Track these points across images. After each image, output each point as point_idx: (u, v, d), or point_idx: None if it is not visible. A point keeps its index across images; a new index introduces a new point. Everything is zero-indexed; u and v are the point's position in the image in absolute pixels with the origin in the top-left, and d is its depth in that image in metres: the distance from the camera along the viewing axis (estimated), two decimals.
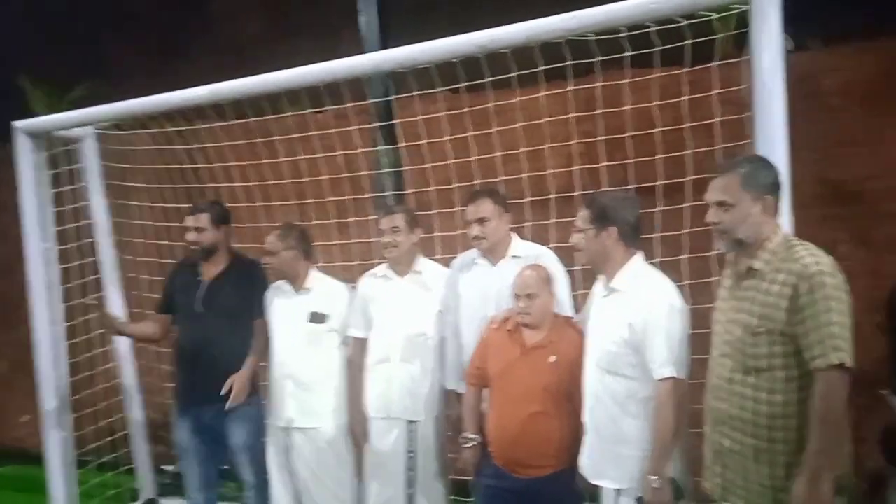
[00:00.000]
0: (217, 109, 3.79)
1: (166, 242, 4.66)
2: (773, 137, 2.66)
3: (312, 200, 4.15)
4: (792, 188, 4.53)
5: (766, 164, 2.45)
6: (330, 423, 3.55)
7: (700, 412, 2.57)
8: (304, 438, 3.57)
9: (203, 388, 3.63)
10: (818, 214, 4.54)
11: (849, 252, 4.38)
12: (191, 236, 3.71)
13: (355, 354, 3.54)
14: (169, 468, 4.92)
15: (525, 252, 3.26)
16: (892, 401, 2.31)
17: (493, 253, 3.27)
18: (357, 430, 3.51)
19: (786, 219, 2.71)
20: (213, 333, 3.64)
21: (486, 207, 3.20)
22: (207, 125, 4.21)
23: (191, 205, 3.86)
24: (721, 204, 2.40)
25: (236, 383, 3.57)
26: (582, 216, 2.78)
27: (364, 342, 3.51)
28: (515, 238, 3.33)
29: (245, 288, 3.72)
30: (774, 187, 2.42)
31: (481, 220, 3.19)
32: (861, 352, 3.15)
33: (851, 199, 4.44)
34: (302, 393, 3.56)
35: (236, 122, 4.03)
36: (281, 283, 3.69)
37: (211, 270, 3.75)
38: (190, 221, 3.72)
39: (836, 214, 4.48)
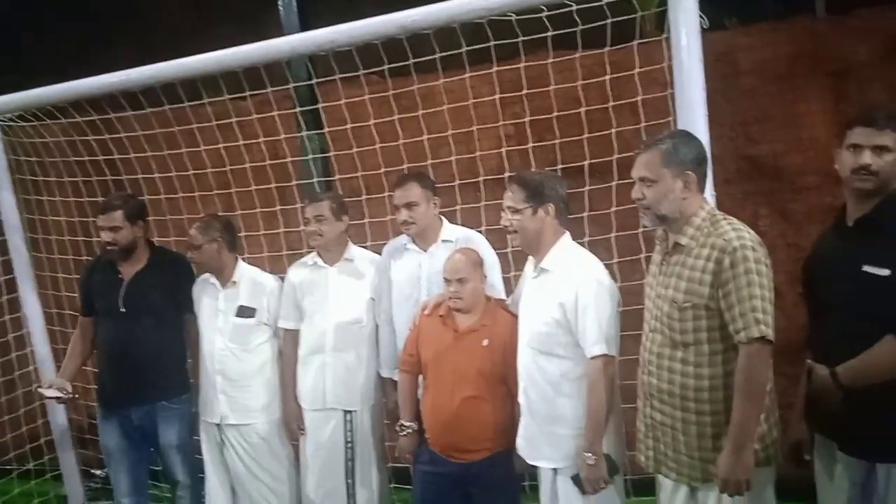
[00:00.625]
0: (137, 97, 3.63)
1: (84, 239, 4.45)
2: (692, 114, 2.71)
3: (235, 190, 4.03)
4: (715, 165, 4.63)
5: (687, 140, 2.46)
6: (263, 418, 3.48)
7: (634, 387, 2.60)
8: (237, 435, 3.50)
9: (129, 388, 3.50)
10: (740, 190, 4.68)
11: (770, 226, 4.53)
12: (106, 236, 3.50)
13: (287, 346, 3.47)
14: (98, 473, 4.74)
15: (456, 236, 3.24)
16: (814, 367, 2.38)
17: (424, 238, 3.24)
18: (292, 423, 3.46)
19: (707, 193, 2.77)
20: (137, 333, 3.49)
21: (413, 192, 3.16)
22: (120, 115, 4.02)
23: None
24: (643, 180, 2.42)
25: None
26: (515, 197, 2.74)
27: (296, 334, 3.44)
28: (446, 222, 3.30)
29: (169, 284, 3.58)
30: (696, 163, 2.43)
31: (409, 205, 3.16)
32: (785, 321, 3.25)
33: (770, 174, 4.58)
34: (233, 389, 3.48)
35: (150, 110, 3.86)
36: (207, 276, 3.58)
37: (131, 268, 3.57)
38: (102, 221, 3.51)
39: (757, 190, 4.62)
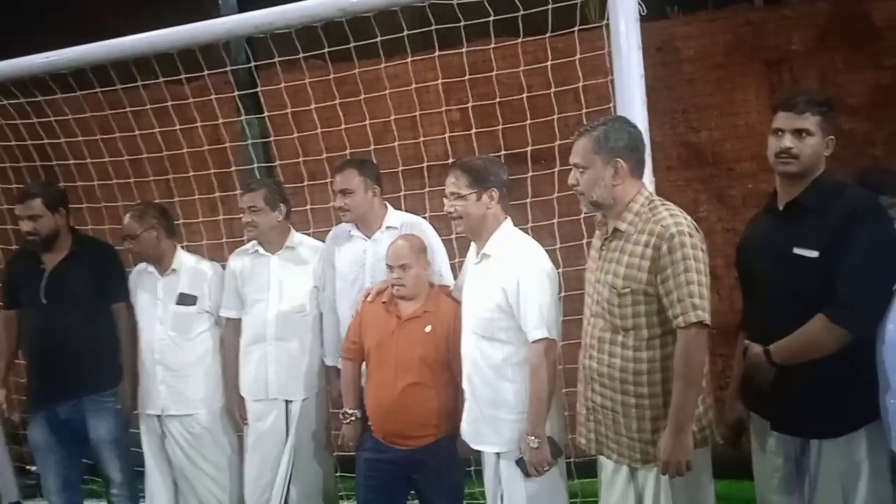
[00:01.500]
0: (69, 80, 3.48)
1: (13, 227, 4.27)
2: (631, 101, 2.74)
3: (173, 176, 3.92)
4: (656, 151, 4.71)
5: (620, 127, 2.46)
6: (205, 408, 3.42)
7: (576, 371, 2.64)
8: (179, 426, 3.43)
9: (57, 382, 3.39)
10: (681, 176, 4.76)
11: (709, 211, 4.63)
12: (26, 226, 3.35)
13: (229, 335, 3.41)
14: (33, 469, 4.58)
15: (400, 222, 3.22)
16: (749, 346, 2.45)
17: (367, 224, 3.21)
18: (234, 413, 3.41)
19: (646, 179, 2.81)
20: (60, 324, 3.37)
21: (350, 179, 3.12)
22: (49, 98, 3.86)
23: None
24: (577, 167, 2.44)
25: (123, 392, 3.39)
26: (458, 182, 2.72)
27: (237, 323, 3.39)
28: (390, 208, 3.28)
29: (94, 273, 3.45)
30: (629, 149, 2.43)
31: (345, 192, 3.12)
32: (724, 304, 3.35)
33: (709, 161, 4.67)
34: (174, 379, 3.40)
35: (81, 93, 3.71)
36: (144, 265, 3.48)
37: (54, 258, 3.43)
38: (20, 210, 3.36)
39: (697, 176, 4.71)
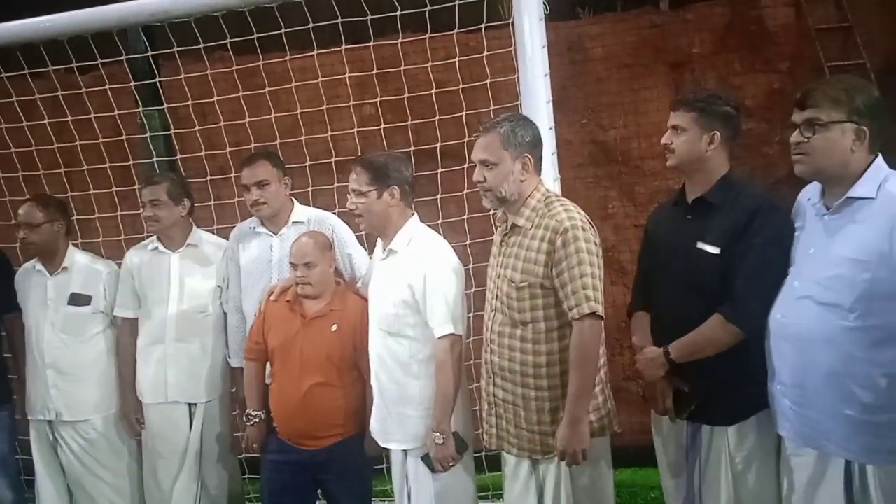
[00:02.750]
0: None
1: None
2: (535, 98, 2.77)
3: (65, 170, 3.73)
4: (567, 149, 4.82)
5: (524, 123, 2.52)
6: (100, 413, 3.28)
7: (474, 367, 2.65)
8: (72, 432, 3.27)
9: None
10: (591, 174, 4.88)
11: (618, 208, 4.76)
12: None
13: (124, 336, 3.28)
14: None
15: (308, 217, 3.15)
16: (646, 349, 2.52)
17: (274, 220, 3.13)
18: (131, 417, 3.28)
19: (550, 177, 2.85)
20: None
21: (264, 170, 3.04)
22: None
23: None
24: (484, 163, 2.45)
25: None
26: (359, 179, 2.68)
27: (133, 322, 3.26)
28: (297, 203, 3.21)
29: None
30: (532, 145, 2.49)
31: (260, 184, 3.03)
32: (630, 298, 3.40)
33: (618, 158, 4.80)
34: (66, 383, 3.24)
35: None
36: (31, 264, 3.29)
37: None
38: None
39: (606, 173, 4.84)
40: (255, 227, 3.17)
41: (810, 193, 2.31)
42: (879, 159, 2.15)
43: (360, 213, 2.70)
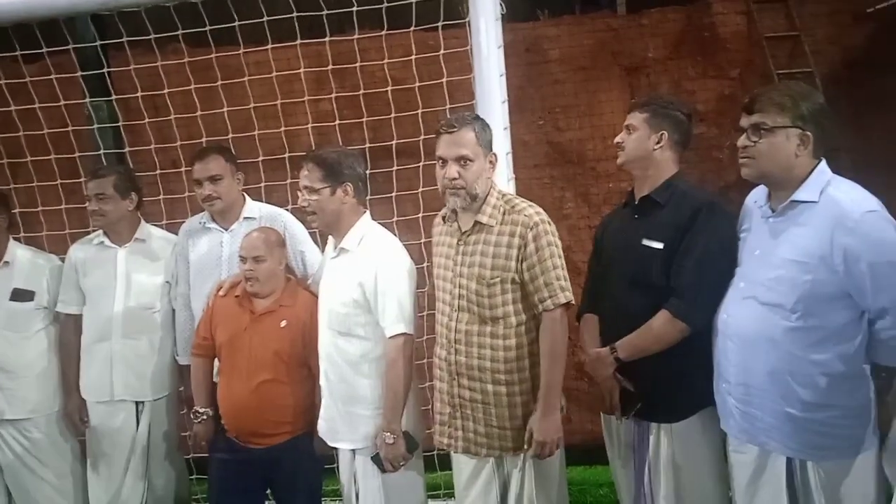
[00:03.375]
0: None
1: None
2: (490, 98, 2.78)
3: (7, 161, 3.61)
4: (524, 150, 4.84)
5: (485, 122, 2.56)
6: (43, 411, 3.18)
7: (426, 366, 2.64)
8: (14, 432, 3.17)
9: None
10: (547, 174, 4.92)
11: (573, 209, 4.81)
12: None
13: (68, 333, 3.19)
14: None
15: (259, 213, 3.11)
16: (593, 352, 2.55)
17: (225, 215, 3.08)
18: (75, 416, 3.18)
19: (505, 176, 2.86)
20: None
21: (217, 164, 2.98)
22: None
23: None
24: (462, 159, 2.44)
25: None
26: (311, 176, 2.64)
27: (78, 319, 3.17)
28: (248, 199, 3.16)
29: None
30: (491, 144, 2.54)
31: (213, 178, 2.98)
32: (581, 300, 3.41)
33: (574, 160, 4.85)
34: (9, 381, 3.13)
35: None
36: None
37: None
38: None
39: (562, 174, 4.88)
40: (205, 223, 3.12)
41: (757, 196, 2.37)
42: (823, 164, 2.21)
43: (313, 210, 2.65)
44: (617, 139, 2.56)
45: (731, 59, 4.55)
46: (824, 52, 4.50)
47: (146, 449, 3.15)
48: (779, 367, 2.17)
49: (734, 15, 4.52)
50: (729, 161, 4.37)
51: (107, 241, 3.16)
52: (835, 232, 2.08)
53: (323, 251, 3.00)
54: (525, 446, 2.45)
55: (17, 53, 3.35)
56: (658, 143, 2.49)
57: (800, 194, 2.18)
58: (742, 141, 2.21)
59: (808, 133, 2.17)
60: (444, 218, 2.66)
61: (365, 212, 2.75)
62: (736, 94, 4.47)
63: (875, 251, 2.05)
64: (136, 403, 3.14)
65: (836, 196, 2.14)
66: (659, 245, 2.42)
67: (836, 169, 2.23)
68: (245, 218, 3.08)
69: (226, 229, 3.09)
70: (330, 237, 2.80)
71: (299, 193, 2.68)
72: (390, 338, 2.60)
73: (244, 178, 3.12)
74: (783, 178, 2.20)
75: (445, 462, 3.16)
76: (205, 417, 2.91)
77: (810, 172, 2.19)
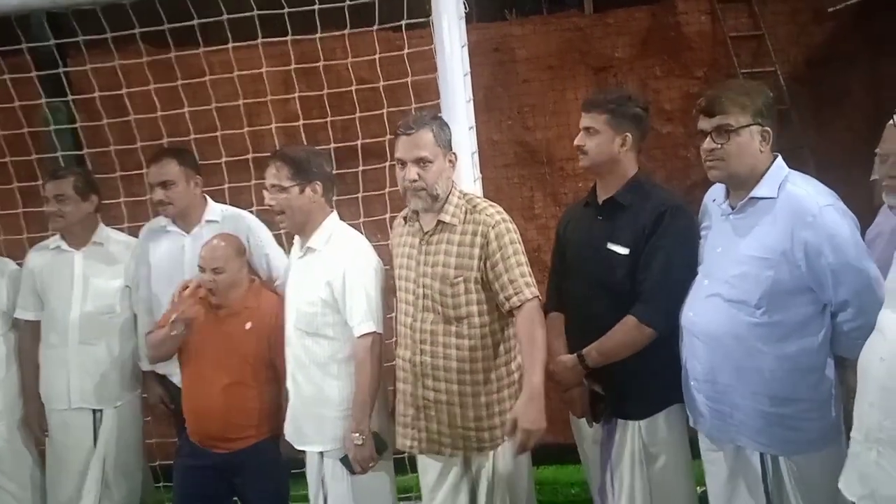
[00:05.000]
0: None
1: None
2: (454, 98, 2.76)
3: None
4: (494, 150, 4.84)
5: (444, 121, 2.54)
6: (3, 420, 3.09)
7: (390, 369, 2.62)
8: None
9: None
10: (517, 174, 4.93)
11: (543, 208, 4.82)
12: None
13: (26, 340, 3.12)
14: None
15: (222, 215, 3.06)
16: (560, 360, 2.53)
17: (186, 218, 3.03)
18: (34, 424, 3.12)
19: (471, 176, 2.84)
20: None
21: (170, 169, 2.94)
22: None
23: None
24: (421, 160, 2.42)
25: None
26: (279, 174, 2.59)
27: (36, 325, 3.10)
28: (210, 201, 3.11)
29: None
30: (451, 144, 2.52)
31: (165, 184, 2.93)
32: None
33: (543, 160, 4.86)
34: None
35: None
36: None
37: None
38: None
39: (532, 174, 4.89)
40: (165, 226, 3.07)
41: (715, 194, 2.38)
42: (780, 159, 2.23)
43: (281, 209, 2.61)
44: (577, 142, 2.49)
45: (697, 58, 4.59)
46: (786, 52, 4.57)
47: (105, 457, 3.08)
48: (745, 364, 2.18)
49: (699, 14, 4.56)
50: (696, 160, 4.41)
51: (64, 245, 3.10)
52: (794, 227, 2.10)
53: (289, 254, 2.95)
54: (505, 437, 2.40)
55: None
56: (623, 145, 2.46)
57: (759, 191, 2.19)
58: (708, 144, 2.19)
59: (768, 129, 2.18)
60: (405, 218, 2.63)
61: (332, 211, 2.72)
62: (701, 93, 4.50)
63: (834, 244, 2.07)
64: (95, 411, 3.07)
65: (795, 191, 2.15)
66: (625, 251, 2.41)
67: (799, 165, 2.24)
68: (207, 221, 3.03)
69: (187, 233, 3.03)
70: (296, 237, 2.76)
71: (265, 193, 2.63)
72: (359, 337, 2.57)
73: (203, 181, 3.07)
74: (749, 177, 2.20)
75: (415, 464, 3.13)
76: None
77: (767, 168, 2.20)
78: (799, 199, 2.13)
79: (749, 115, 2.16)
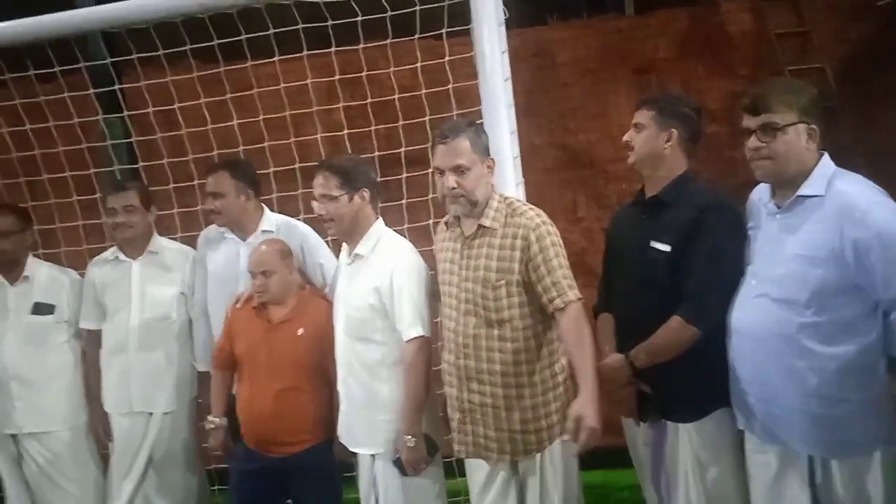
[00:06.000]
0: None
1: None
2: (495, 103, 2.78)
3: (24, 179, 3.67)
4: (534, 154, 4.84)
5: (480, 127, 2.58)
6: (67, 424, 3.22)
7: (437, 373, 2.65)
8: (37, 445, 3.20)
9: None
10: (558, 178, 4.92)
11: (586, 211, 4.80)
12: None
13: (91, 347, 3.24)
14: None
15: (276, 225, 3.12)
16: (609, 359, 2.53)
17: (241, 227, 3.11)
18: (98, 429, 3.23)
19: (513, 181, 2.86)
20: None
21: (221, 181, 3.03)
22: None
23: None
24: (458, 168, 2.45)
25: None
26: (327, 184, 2.66)
27: (99, 334, 3.22)
28: (267, 211, 3.18)
29: None
30: (489, 149, 2.55)
31: (215, 195, 3.03)
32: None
33: (585, 162, 4.85)
34: (30, 394, 3.17)
35: None
36: None
37: None
38: None
39: (574, 177, 4.88)
40: (223, 233, 3.15)
41: (761, 193, 2.36)
42: (826, 157, 2.20)
43: (331, 217, 2.68)
44: (625, 138, 2.54)
45: (740, 57, 4.54)
46: (833, 48, 4.48)
47: (161, 460, 3.17)
48: (795, 364, 2.15)
49: (741, 13, 4.51)
50: (742, 159, 4.35)
51: (121, 256, 3.21)
52: (843, 225, 2.07)
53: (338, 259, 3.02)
54: (566, 436, 2.38)
55: (30, 73, 3.42)
56: (668, 140, 2.47)
57: (806, 189, 2.17)
58: (753, 142, 2.18)
59: (814, 126, 2.16)
60: (447, 224, 2.67)
61: (378, 218, 2.77)
62: (745, 92, 4.45)
63: (884, 242, 2.03)
64: (151, 415, 3.17)
65: (843, 189, 2.13)
66: (666, 248, 2.40)
67: (846, 163, 2.21)
68: (263, 231, 3.10)
69: (243, 241, 3.11)
70: (344, 244, 2.82)
71: (314, 203, 2.70)
72: (407, 341, 2.61)
73: (259, 191, 3.14)
74: (796, 176, 2.18)
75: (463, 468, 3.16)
76: (214, 426, 2.92)
77: (814, 166, 2.17)
78: (847, 196, 2.10)
79: (795, 112, 2.14)
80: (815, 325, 2.12)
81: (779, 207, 2.24)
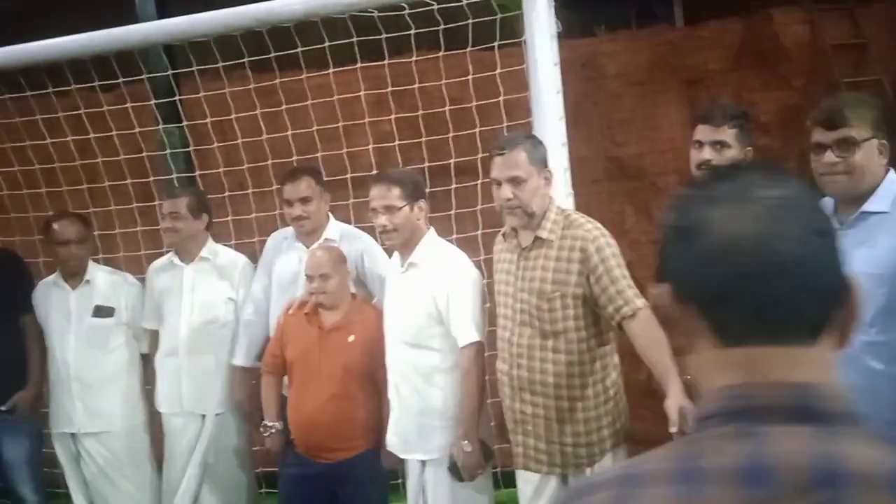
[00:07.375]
0: None
1: None
2: (548, 115, 2.78)
3: (87, 186, 3.80)
4: (582, 166, 4.80)
5: (538, 139, 2.59)
6: (124, 424, 3.31)
7: (492, 382, 2.65)
8: (96, 444, 3.31)
9: None
10: (606, 190, 4.87)
11: (634, 224, 4.74)
12: None
13: (152, 348, 3.34)
14: None
15: (340, 234, 3.15)
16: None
17: (308, 234, 3.14)
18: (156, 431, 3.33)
19: (563, 192, 2.86)
20: None
21: (307, 186, 3.06)
22: None
23: None
24: (514, 180, 2.46)
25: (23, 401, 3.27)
26: (390, 195, 2.69)
27: (157, 334, 3.32)
28: (332, 219, 3.21)
29: (4, 283, 3.33)
30: (547, 161, 2.55)
31: (304, 200, 3.04)
32: None
33: (634, 174, 4.79)
34: (91, 395, 3.28)
35: None
36: (52, 278, 3.36)
37: None
38: None
39: (622, 189, 4.83)
40: (289, 239, 3.19)
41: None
42: (892, 173, 2.15)
43: (394, 227, 2.70)
44: (706, 156, 2.41)
45: (795, 68, 4.43)
46: (892, 60, 4.36)
47: (211, 462, 3.23)
48: (859, 384, 2.09)
49: (796, 24, 4.42)
50: (794, 172, 4.27)
51: (176, 260, 3.30)
52: None
53: None
54: (673, 428, 2.27)
55: (94, 84, 3.54)
56: (745, 159, 2.43)
57: (871, 205, 2.12)
58: (829, 157, 2.11)
59: (885, 142, 2.12)
60: (504, 235, 2.68)
61: (430, 227, 2.80)
62: (800, 105, 4.35)
63: None
64: (203, 417, 3.24)
65: None
66: None
67: None
68: (325, 239, 3.11)
69: (307, 247, 3.14)
70: (396, 253, 2.85)
71: (376, 215, 2.72)
72: (463, 347, 2.63)
73: (329, 199, 3.18)
74: (869, 191, 2.13)
75: (509, 479, 3.15)
76: (273, 431, 2.98)
77: (880, 182, 2.13)
78: None
79: (870, 127, 2.10)
80: (879, 345, 2.06)
81: (841, 223, 2.19)
